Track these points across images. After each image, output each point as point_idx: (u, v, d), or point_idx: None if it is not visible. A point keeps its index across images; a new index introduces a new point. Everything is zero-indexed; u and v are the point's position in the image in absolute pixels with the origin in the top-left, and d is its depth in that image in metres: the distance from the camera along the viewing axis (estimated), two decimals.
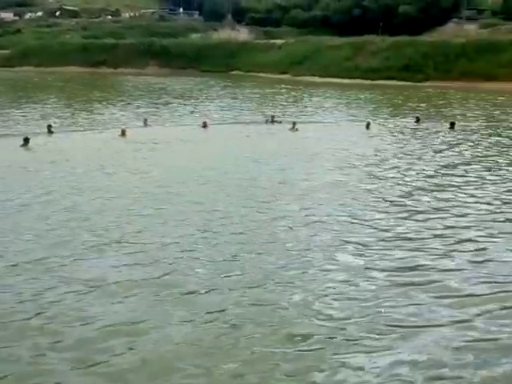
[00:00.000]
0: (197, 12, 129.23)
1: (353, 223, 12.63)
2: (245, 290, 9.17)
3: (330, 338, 7.83)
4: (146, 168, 18.35)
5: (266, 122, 29.35)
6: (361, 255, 10.73)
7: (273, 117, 29.85)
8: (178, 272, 9.85)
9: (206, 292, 9.07)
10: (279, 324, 8.13)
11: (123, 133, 24.52)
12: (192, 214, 13.09)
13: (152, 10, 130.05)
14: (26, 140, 21.91)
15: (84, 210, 13.39)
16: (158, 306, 8.64)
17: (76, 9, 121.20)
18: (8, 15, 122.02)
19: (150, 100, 43.38)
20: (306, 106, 39.85)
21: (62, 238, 11.42)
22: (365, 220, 12.83)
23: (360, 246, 11.17)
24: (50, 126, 25.82)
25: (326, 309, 8.57)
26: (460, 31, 72.13)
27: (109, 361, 7.26)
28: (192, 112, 35.76)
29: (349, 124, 30.17)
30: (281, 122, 29.11)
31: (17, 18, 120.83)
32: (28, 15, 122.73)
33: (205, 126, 27.65)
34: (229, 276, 9.67)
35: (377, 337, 7.83)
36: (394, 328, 8.08)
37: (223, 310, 8.49)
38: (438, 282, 9.63)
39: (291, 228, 12.24)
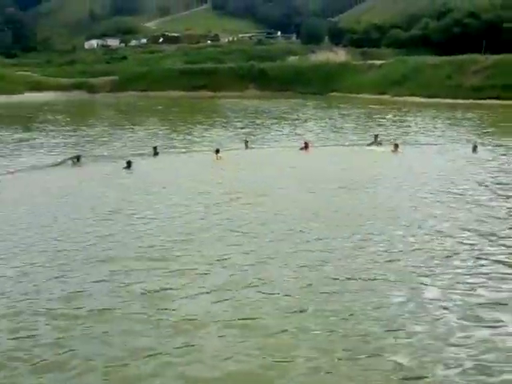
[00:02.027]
0: (294, 35, 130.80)
1: None
2: None
3: None
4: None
5: (372, 143, 28.77)
6: None
7: (376, 136, 29.33)
8: None
9: None
10: None
11: (217, 153, 24.58)
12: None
13: (250, 35, 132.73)
14: (129, 163, 22.68)
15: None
16: None
17: (178, 35, 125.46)
18: (114, 42, 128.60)
19: (249, 122, 43.93)
20: (409, 126, 39.00)
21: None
22: None
23: None
24: (155, 148, 26.53)
25: None
26: None
27: None
28: (292, 133, 35.87)
29: (453, 146, 28.83)
30: (381, 143, 28.52)
31: (122, 45, 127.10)
32: (133, 42, 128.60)
33: (306, 147, 27.01)
34: None
35: None
36: None
37: None
38: None
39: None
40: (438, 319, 8.89)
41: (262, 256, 11.70)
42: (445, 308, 9.25)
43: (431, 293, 9.83)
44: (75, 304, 9.52)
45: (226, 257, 11.71)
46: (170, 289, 10.06)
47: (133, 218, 14.98)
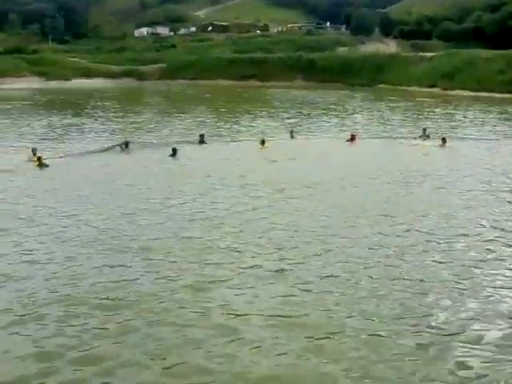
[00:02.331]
0: (343, 26, 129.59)
1: None
2: None
3: None
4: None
5: (420, 137, 28.08)
6: None
7: (425, 130, 28.69)
8: None
9: None
10: None
11: (263, 144, 24.50)
12: None
13: (299, 25, 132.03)
14: (174, 151, 22.73)
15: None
16: None
17: (227, 24, 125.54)
18: (164, 31, 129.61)
19: (296, 112, 43.52)
20: (459, 120, 38.16)
21: None
22: None
23: None
24: (202, 136, 26.49)
25: None
26: None
27: None
28: (339, 125, 35.50)
29: (505, 141, 27.84)
30: (429, 137, 27.87)
31: (172, 33, 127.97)
32: (182, 30, 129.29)
33: (352, 139, 26.58)
34: None
35: None
36: None
37: None
38: None
39: None
40: (496, 324, 8.50)
41: (309, 251, 11.42)
42: (502, 312, 8.87)
43: (489, 295, 9.45)
44: (118, 293, 9.42)
45: (272, 250, 11.48)
46: (214, 281, 9.89)
47: (179, 207, 14.89)
